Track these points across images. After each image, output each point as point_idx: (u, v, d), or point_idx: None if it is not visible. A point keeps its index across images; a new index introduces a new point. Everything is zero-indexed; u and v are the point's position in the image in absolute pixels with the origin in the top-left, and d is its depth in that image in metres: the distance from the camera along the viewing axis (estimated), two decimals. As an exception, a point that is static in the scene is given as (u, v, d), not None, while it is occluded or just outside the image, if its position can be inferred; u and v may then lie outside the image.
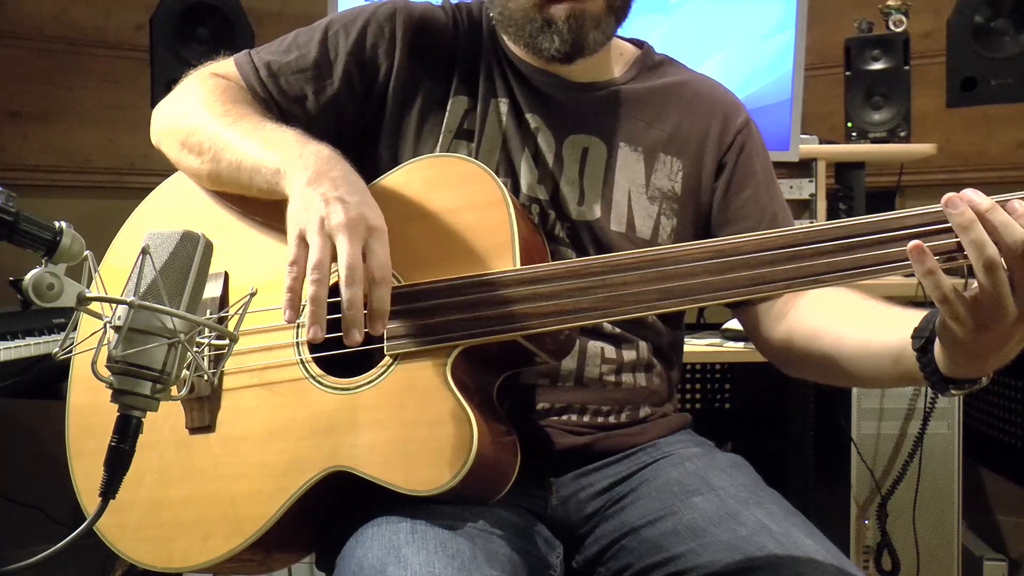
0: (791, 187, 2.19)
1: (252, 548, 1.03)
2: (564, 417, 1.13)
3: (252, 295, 0.88)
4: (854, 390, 2.02)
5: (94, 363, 0.78)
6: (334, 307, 0.94)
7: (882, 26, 2.35)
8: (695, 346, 1.89)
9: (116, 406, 0.79)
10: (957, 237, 0.81)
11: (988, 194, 0.82)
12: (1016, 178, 2.62)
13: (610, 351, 1.15)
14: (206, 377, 1.04)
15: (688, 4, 2.12)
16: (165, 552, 1.06)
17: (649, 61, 1.28)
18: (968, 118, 2.68)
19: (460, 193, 1.05)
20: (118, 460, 0.78)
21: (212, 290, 1.10)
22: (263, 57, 1.20)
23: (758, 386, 2.54)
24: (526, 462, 1.04)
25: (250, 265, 1.13)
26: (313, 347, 1.07)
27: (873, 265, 0.87)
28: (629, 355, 1.17)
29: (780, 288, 0.91)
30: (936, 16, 2.53)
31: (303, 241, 0.94)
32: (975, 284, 0.81)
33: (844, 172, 2.32)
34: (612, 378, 1.15)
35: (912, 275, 0.83)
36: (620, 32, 1.22)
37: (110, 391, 0.78)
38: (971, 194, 0.81)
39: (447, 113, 1.18)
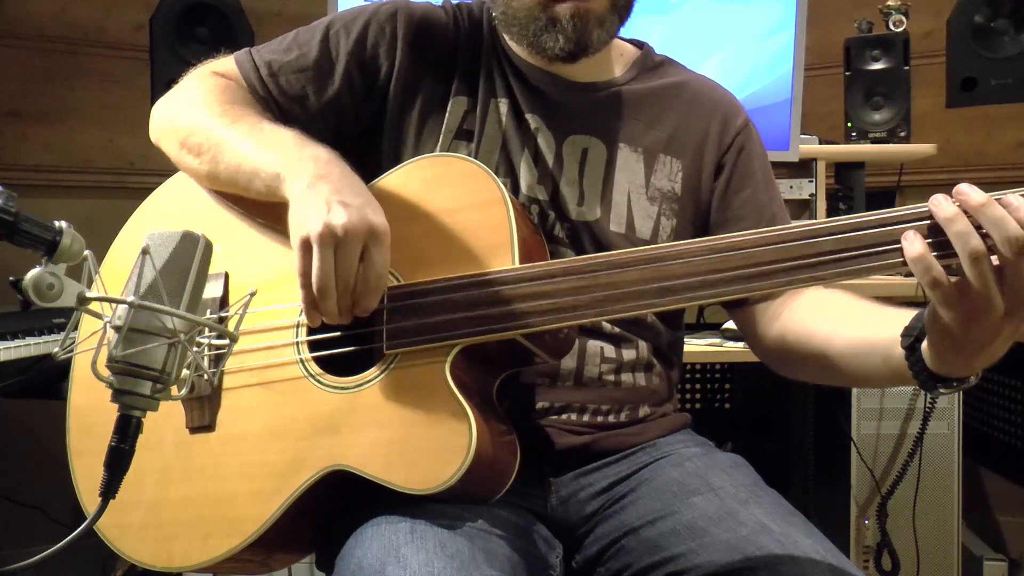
0: (791, 187, 2.19)
1: (252, 548, 1.03)
2: (564, 416, 1.13)
3: (252, 295, 0.88)
4: (854, 390, 2.02)
5: (94, 363, 0.78)
6: None
7: (882, 26, 2.35)
8: (695, 346, 1.89)
9: (116, 406, 0.79)
10: (945, 236, 0.82)
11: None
12: (1016, 178, 2.62)
13: (609, 350, 1.15)
14: (206, 377, 1.04)
15: (688, 4, 2.12)
16: (165, 552, 1.06)
17: (649, 62, 1.28)
18: (968, 118, 2.68)
19: (460, 193, 1.05)
20: (118, 460, 0.78)
21: (213, 290, 1.10)
22: (263, 56, 1.20)
23: (758, 386, 2.54)
24: (526, 462, 1.04)
25: (251, 265, 1.13)
26: (313, 346, 1.07)
27: (871, 262, 0.87)
28: (629, 354, 1.17)
29: (779, 285, 0.91)
30: (936, 16, 2.53)
31: (308, 250, 0.94)
32: (963, 275, 0.82)
33: (844, 172, 2.32)
34: (612, 377, 1.16)
35: (911, 274, 0.84)
36: (620, 32, 1.22)
37: (110, 391, 0.78)
38: (966, 188, 0.82)
39: (447, 113, 1.18)
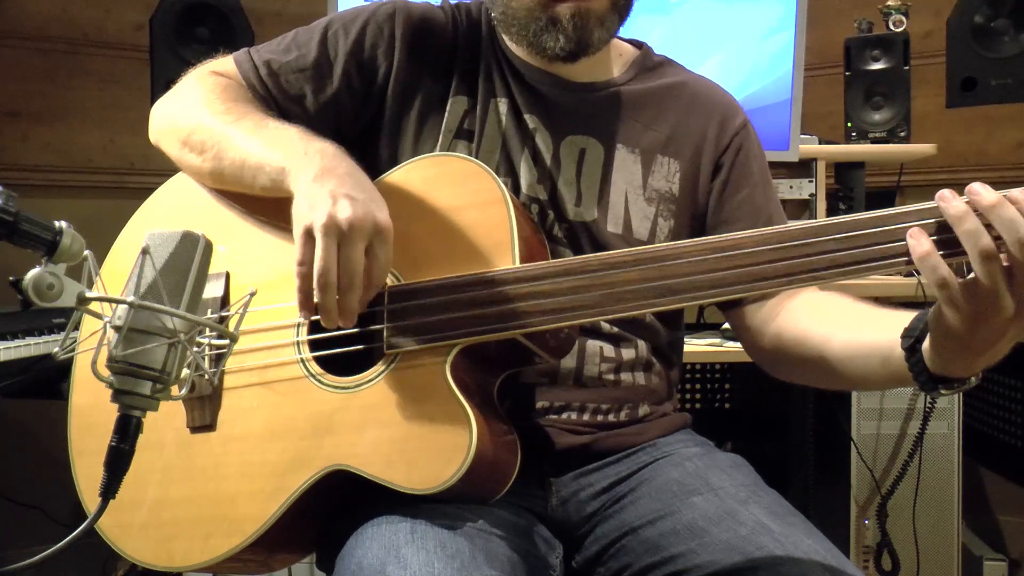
0: (791, 187, 2.19)
1: (253, 547, 1.03)
2: (564, 416, 1.13)
3: (252, 295, 0.88)
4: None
5: (94, 363, 0.78)
6: None
7: (882, 26, 2.35)
8: (695, 346, 1.89)
9: (117, 406, 0.79)
10: (952, 234, 0.81)
11: None
12: (1016, 178, 2.62)
13: (609, 350, 1.15)
14: (206, 377, 1.04)
15: (688, 4, 2.12)
16: (166, 551, 1.06)
17: (648, 62, 1.28)
18: (968, 118, 2.68)
19: (460, 192, 1.05)
20: (118, 460, 0.78)
21: (214, 290, 1.11)
22: (263, 55, 1.20)
23: (758, 386, 2.53)
24: (526, 462, 1.04)
25: (252, 265, 1.13)
26: (313, 346, 1.07)
27: (871, 260, 0.87)
28: (628, 354, 1.17)
29: (778, 284, 0.91)
30: (936, 16, 2.53)
31: (310, 240, 0.94)
32: (972, 275, 0.81)
33: (844, 172, 2.32)
34: (611, 377, 1.16)
35: (911, 274, 0.83)
36: (620, 32, 1.22)
37: (111, 391, 0.78)
38: (978, 187, 0.81)
39: (446, 113, 1.18)
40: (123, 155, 2.74)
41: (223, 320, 1.08)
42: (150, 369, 0.77)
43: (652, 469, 1.14)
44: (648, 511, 1.08)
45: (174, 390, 0.82)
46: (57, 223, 1.02)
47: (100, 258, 1.09)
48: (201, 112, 1.13)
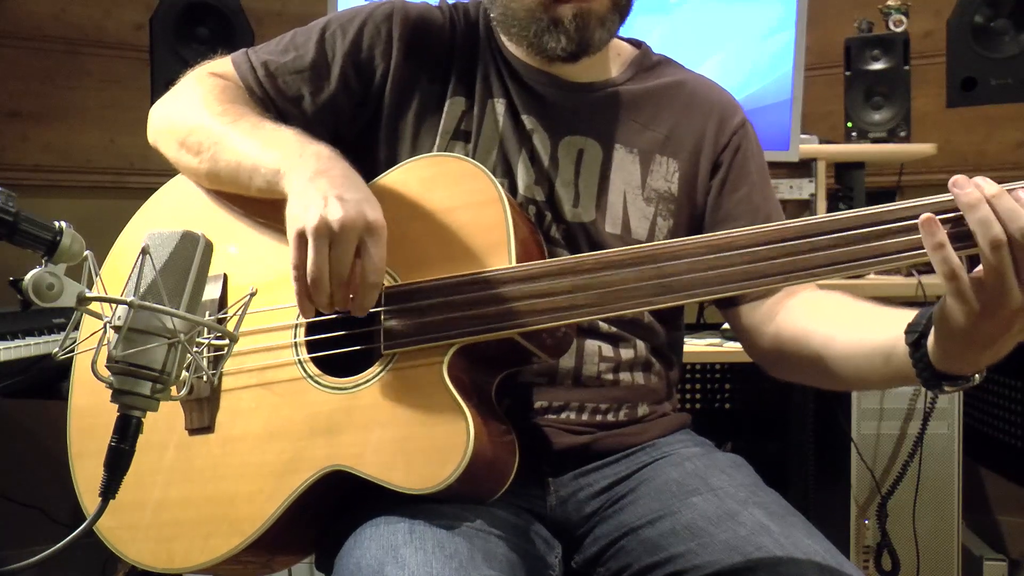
0: (791, 187, 2.19)
1: (252, 548, 1.03)
2: (563, 415, 1.13)
3: (252, 294, 0.88)
4: (854, 390, 2.03)
5: (94, 363, 0.78)
6: None
7: (882, 26, 2.35)
8: (695, 346, 1.89)
9: (116, 408, 0.79)
10: (957, 227, 0.81)
11: None
12: (1016, 178, 2.61)
13: (607, 350, 1.15)
14: (205, 378, 1.04)
15: (688, 4, 2.12)
16: (166, 553, 1.06)
17: (646, 61, 1.27)
18: (968, 118, 2.68)
19: (457, 192, 1.05)
20: (118, 460, 0.78)
21: (211, 292, 1.10)
22: (260, 57, 1.20)
23: (758, 386, 2.53)
24: (525, 461, 1.04)
25: (250, 266, 1.13)
26: (311, 347, 1.07)
27: (870, 257, 0.86)
28: (627, 353, 1.17)
29: (776, 282, 0.91)
30: (936, 16, 2.53)
31: (303, 242, 0.95)
32: (980, 267, 0.81)
33: (844, 172, 2.32)
34: (610, 376, 1.16)
35: (911, 274, 0.83)
36: (620, 32, 1.22)
37: (110, 392, 0.78)
38: (980, 181, 0.81)
39: (444, 114, 1.18)
40: (123, 155, 2.75)
41: (222, 321, 1.08)
42: (150, 369, 0.77)
43: (652, 469, 1.14)
44: (648, 511, 1.08)
45: (173, 390, 0.82)
46: (57, 223, 1.02)
47: (100, 258, 1.09)
48: (198, 114, 1.13)
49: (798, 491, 2.14)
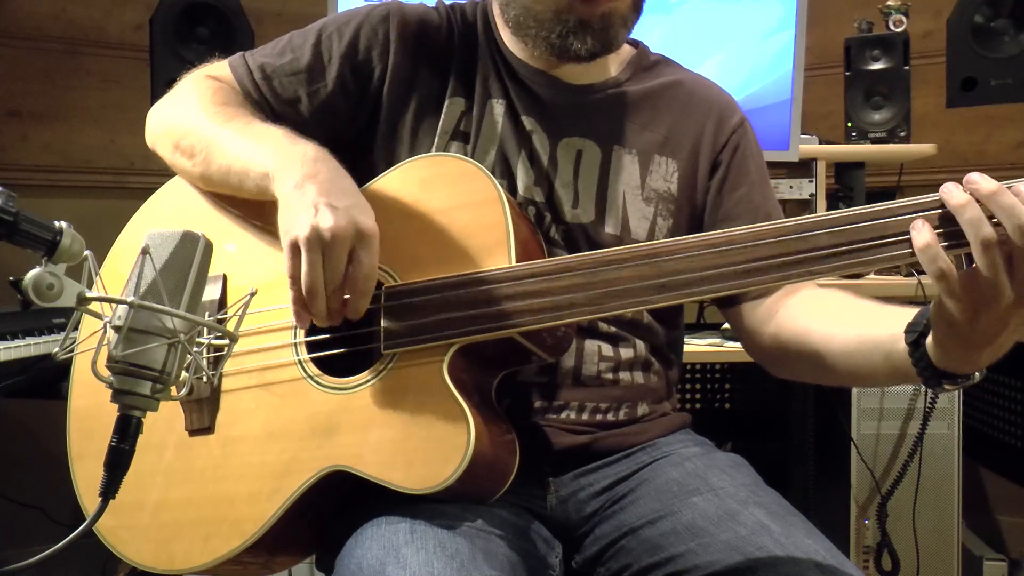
0: (791, 187, 2.19)
1: (253, 549, 1.03)
2: (563, 415, 1.13)
3: (252, 295, 0.88)
4: (854, 389, 2.02)
5: (94, 363, 0.78)
6: None
7: (882, 26, 2.35)
8: (695, 346, 1.89)
9: (116, 409, 0.79)
10: (952, 227, 0.81)
11: None
12: (1016, 178, 2.62)
13: (607, 349, 1.15)
14: (205, 378, 1.04)
15: (688, 4, 2.12)
16: (166, 553, 1.06)
17: (645, 61, 1.27)
18: (968, 118, 2.68)
19: (456, 192, 1.05)
20: (118, 460, 0.78)
21: (211, 292, 1.10)
22: (257, 59, 1.20)
23: (758, 386, 2.54)
24: (525, 461, 1.04)
25: (249, 267, 1.13)
26: (311, 347, 1.07)
27: (868, 255, 0.86)
28: (627, 353, 1.17)
29: (775, 279, 0.90)
30: (936, 16, 2.53)
31: (296, 252, 0.95)
32: (973, 265, 0.81)
33: (844, 172, 2.32)
34: (610, 376, 1.16)
35: (911, 274, 0.83)
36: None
37: (110, 393, 0.78)
38: (977, 177, 0.81)
39: (443, 115, 1.18)
40: (123, 155, 2.75)
41: (222, 321, 1.08)
42: (150, 369, 0.77)
43: (652, 469, 1.14)
44: (648, 511, 1.08)
45: (173, 390, 0.82)
46: (57, 223, 1.02)
47: (100, 258, 1.09)
48: (192, 116, 1.13)
49: (798, 491, 2.14)
